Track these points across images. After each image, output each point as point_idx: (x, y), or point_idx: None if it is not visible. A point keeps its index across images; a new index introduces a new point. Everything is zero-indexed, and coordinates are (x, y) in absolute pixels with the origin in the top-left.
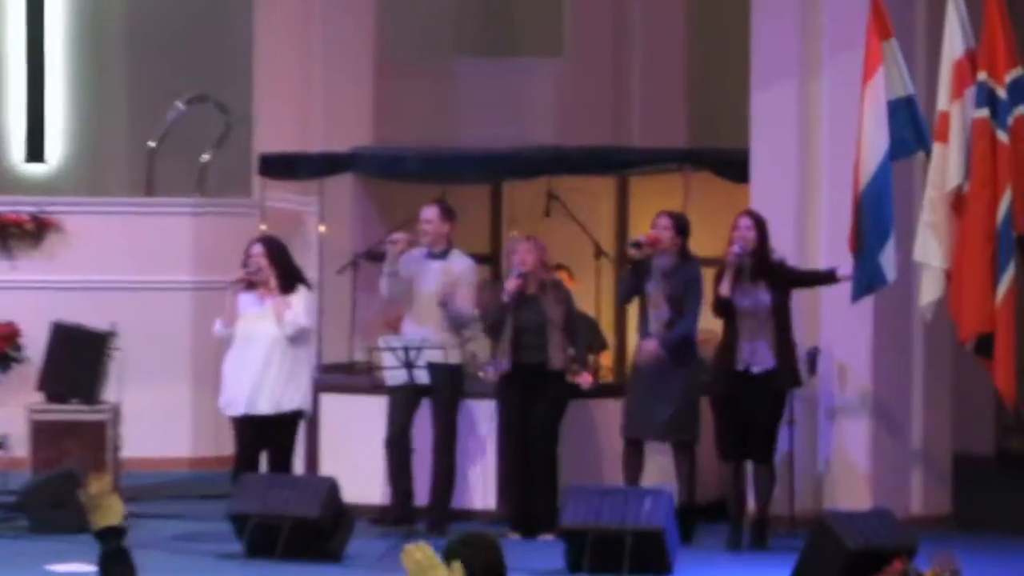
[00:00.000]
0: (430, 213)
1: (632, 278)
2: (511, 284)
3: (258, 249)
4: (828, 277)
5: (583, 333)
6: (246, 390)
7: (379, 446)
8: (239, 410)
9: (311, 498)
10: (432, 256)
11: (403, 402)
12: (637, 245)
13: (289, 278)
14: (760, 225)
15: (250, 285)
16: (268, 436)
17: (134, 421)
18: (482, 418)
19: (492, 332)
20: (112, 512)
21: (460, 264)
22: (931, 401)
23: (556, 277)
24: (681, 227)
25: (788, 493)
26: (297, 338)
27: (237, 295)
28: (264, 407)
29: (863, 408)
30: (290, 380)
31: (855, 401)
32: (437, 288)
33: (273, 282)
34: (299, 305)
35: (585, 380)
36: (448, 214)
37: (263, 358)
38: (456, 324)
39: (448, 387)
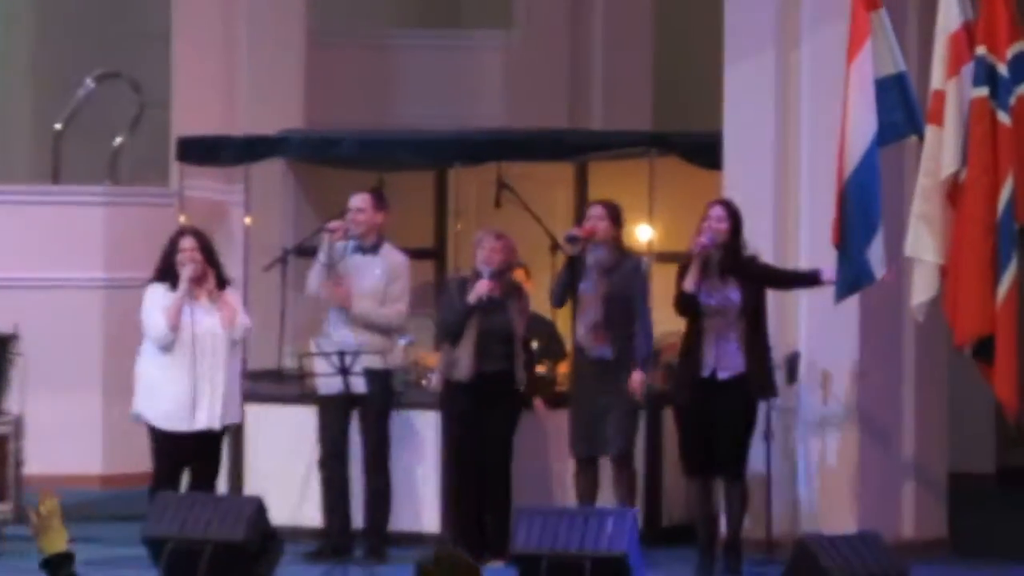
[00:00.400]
0: (361, 202)
1: (568, 276)
2: (483, 287)
3: (191, 243)
4: (809, 279)
5: (538, 337)
6: (184, 401)
7: (311, 462)
8: (181, 425)
9: (235, 520)
10: (362, 250)
11: (337, 414)
12: (574, 240)
13: (222, 275)
14: (734, 216)
15: (164, 278)
16: (196, 452)
17: (39, 434)
18: (424, 430)
19: (451, 337)
20: (61, 536)
21: (393, 260)
22: (924, 412)
23: (517, 282)
24: (616, 216)
25: (764, 514)
26: (239, 342)
27: (186, 294)
28: (203, 421)
29: (848, 420)
30: (230, 391)
31: (839, 412)
32: (370, 287)
33: (212, 280)
34: (239, 304)
35: (542, 410)
36: (381, 203)
37: (206, 365)
38: (384, 329)
39: (381, 395)
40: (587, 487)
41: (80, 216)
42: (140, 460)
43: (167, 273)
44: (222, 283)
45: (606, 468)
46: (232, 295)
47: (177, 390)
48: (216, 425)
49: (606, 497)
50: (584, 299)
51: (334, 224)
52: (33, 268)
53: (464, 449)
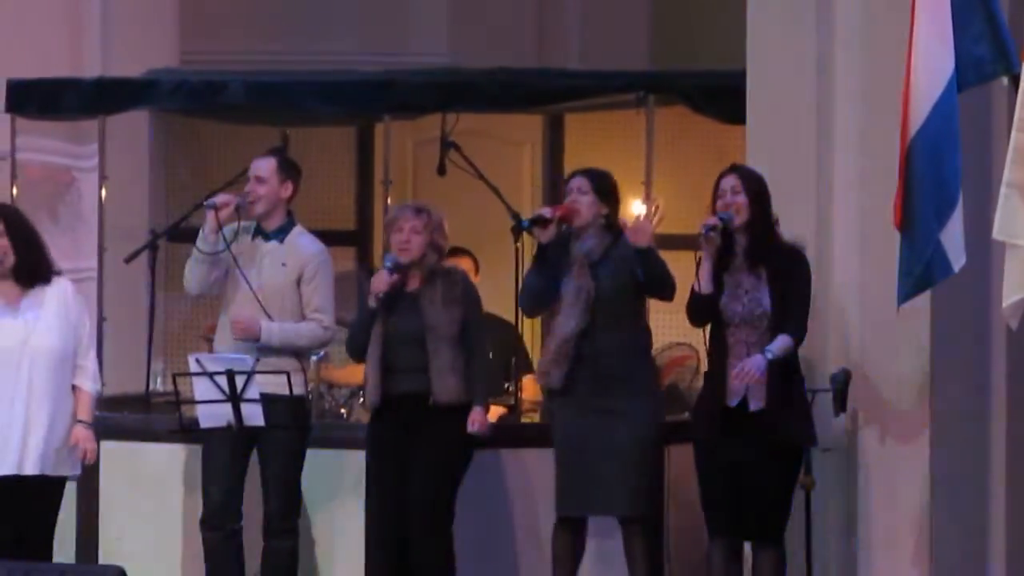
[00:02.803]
0: (263, 168)
1: (541, 275)
2: (379, 282)
3: None
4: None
5: (484, 347)
6: (11, 440)
7: (190, 518)
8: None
9: None
10: (263, 235)
11: (224, 459)
12: (540, 221)
13: (38, 266)
14: (755, 186)
15: None
16: (18, 506)
17: None
18: (346, 477)
19: (355, 349)
20: None
21: (306, 249)
22: (1019, 450)
23: (450, 265)
24: (605, 189)
25: None
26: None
27: None
28: (11, 464)
29: (916, 461)
30: (65, 424)
31: (903, 451)
32: (275, 285)
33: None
34: (75, 301)
35: (477, 423)
36: (290, 170)
37: (17, 387)
38: (302, 350)
39: (290, 431)
40: (568, 556)
41: None
42: None
43: None
44: (46, 276)
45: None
46: (69, 290)
47: None
48: (46, 472)
49: (594, 568)
50: (566, 302)
51: (221, 198)
52: None
53: (383, 503)
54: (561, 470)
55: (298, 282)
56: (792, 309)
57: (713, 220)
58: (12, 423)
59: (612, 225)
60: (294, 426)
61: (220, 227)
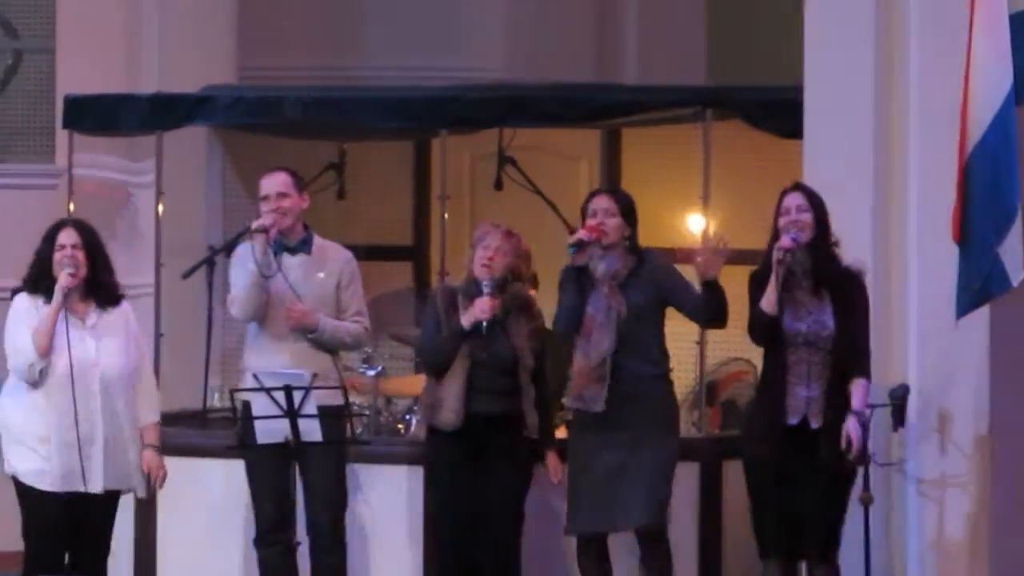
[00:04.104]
0: (282, 183)
1: (576, 293)
2: (483, 307)
3: (72, 237)
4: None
5: (552, 381)
6: (57, 456)
7: (248, 534)
8: (52, 485)
9: None
10: (287, 249)
11: (274, 474)
12: (579, 245)
13: (108, 285)
14: (819, 206)
15: (36, 287)
16: (80, 523)
17: None
18: (399, 491)
19: (437, 370)
20: None
21: (337, 256)
22: None
23: (527, 295)
24: (629, 210)
25: None
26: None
27: (60, 309)
28: (96, 483)
29: (974, 476)
30: (131, 440)
31: (963, 467)
32: (319, 295)
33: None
34: (133, 326)
35: (554, 468)
36: (300, 184)
37: (90, 406)
38: (347, 347)
39: (335, 444)
40: (595, 571)
41: None
42: (7, 537)
43: (40, 280)
44: (115, 296)
45: (618, 545)
46: (128, 311)
47: (60, 441)
48: (97, 488)
49: None
50: (594, 323)
51: (268, 219)
52: None
53: (456, 517)
54: (578, 488)
55: (337, 288)
56: (858, 344)
57: (789, 243)
58: (78, 441)
59: (634, 246)
60: (336, 438)
61: (268, 250)
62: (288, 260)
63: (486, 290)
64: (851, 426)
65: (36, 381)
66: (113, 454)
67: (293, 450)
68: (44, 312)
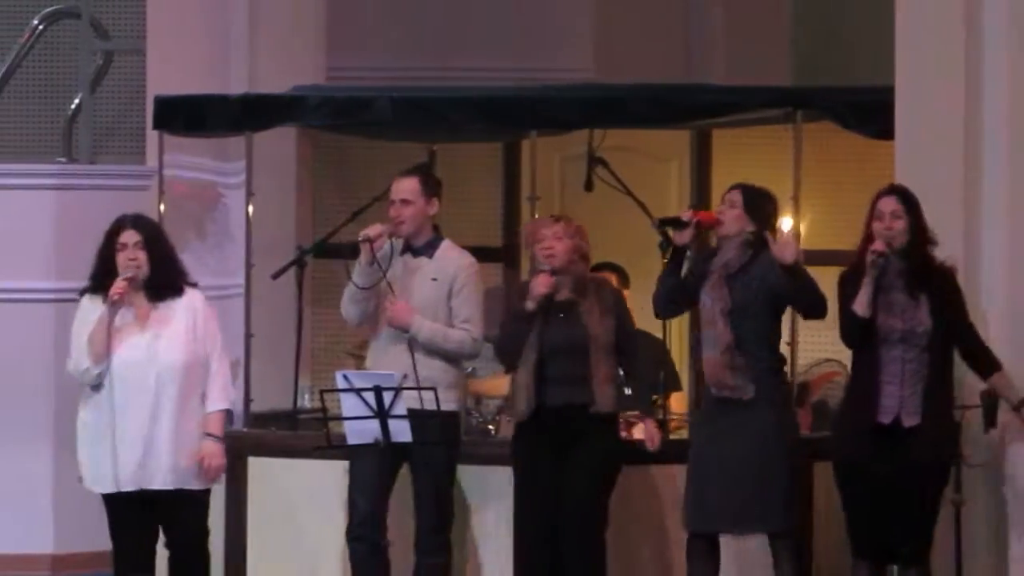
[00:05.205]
0: (407, 191)
1: (673, 275)
2: (540, 283)
3: (133, 236)
4: (987, 367)
5: (644, 360)
6: (130, 456)
7: (337, 535)
8: (130, 484)
9: None
10: (411, 251)
11: (372, 472)
12: (674, 222)
13: (170, 280)
14: (915, 209)
15: (99, 288)
16: (153, 520)
17: None
18: (494, 493)
19: (508, 357)
20: None
21: (456, 263)
22: None
23: (600, 276)
24: (755, 206)
25: None
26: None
27: (115, 311)
28: (158, 479)
29: None
30: (192, 438)
31: None
32: (425, 299)
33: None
34: (207, 314)
35: (651, 436)
36: (433, 187)
37: (153, 404)
38: (451, 358)
39: (441, 448)
40: (703, 572)
41: (23, 204)
42: (101, 535)
43: (103, 281)
44: (177, 289)
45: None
46: (195, 301)
47: (112, 440)
48: (174, 486)
49: None
50: (706, 312)
51: (374, 230)
52: None
53: (534, 513)
54: (697, 486)
55: (448, 295)
56: (978, 342)
57: (881, 247)
58: (139, 438)
59: (756, 242)
60: (442, 441)
61: (375, 259)
62: (411, 262)
63: (540, 270)
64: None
65: (94, 384)
66: (174, 451)
67: (404, 453)
68: (100, 317)
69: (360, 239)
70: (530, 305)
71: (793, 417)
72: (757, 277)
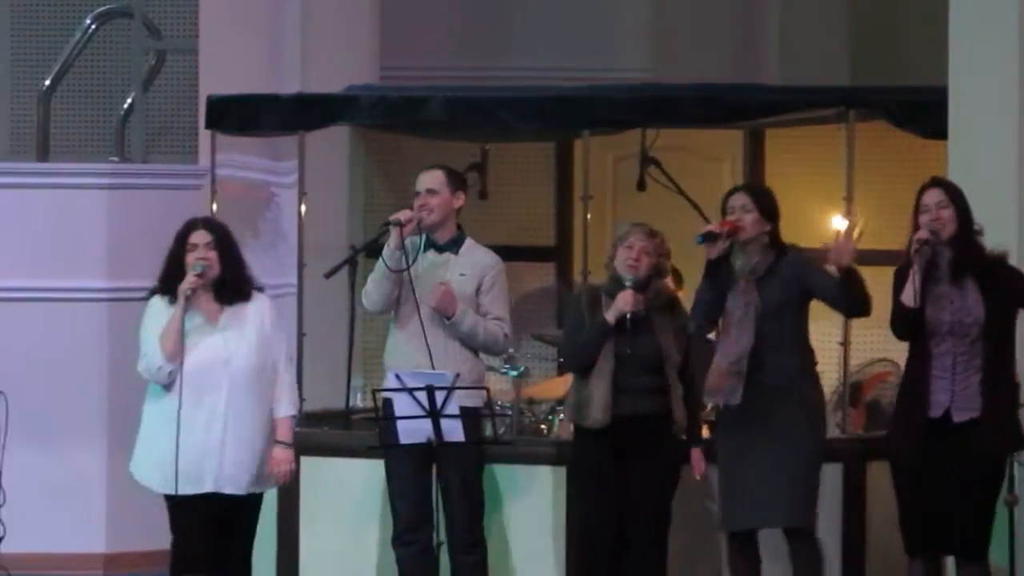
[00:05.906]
0: (433, 180)
1: (712, 290)
2: (626, 300)
3: (204, 236)
4: None
5: (699, 388)
6: (199, 458)
7: (390, 533)
8: (199, 487)
9: None
10: (436, 247)
11: (408, 469)
12: (711, 237)
13: (239, 283)
14: (960, 199)
15: (168, 288)
16: (218, 523)
17: (20, 502)
18: (539, 492)
19: (581, 367)
20: None
21: (483, 260)
22: None
23: (672, 293)
24: (767, 207)
25: None
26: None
27: (186, 310)
28: (230, 484)
29: None
30: (263, 442)
31: None
32: (456, 291)
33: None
34: (278, 321)
35: (698, 464)
36: (458, 182)
37: (224, 408)
38: (482, 350)
39: (474, 445)
40: (745, 570)
41: (76, 204)
42: (154, 535)
43: (173, 281)
44: (246, 292)
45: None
46: (263, 306)
47: (192, 444)
48: (232, 489)
49: None
50: (732, 319)
51: (405, 214)
52: (9, 275)
53: (601, 519)
54: (727, 487)
55: (477, 290)
56: None
57: (925, 234)
58: (211, 442)
59: (775, 242)
60: (475, 438)
61: (403, 245)
62: (433, 258)
63: (628, 284)
64: None
65: (166, 383)
66: (243, 453)
67: (432, 450)
68: (172, 314)
69: (390, 221)
70: (611, 318)
71: (823, 417)
72: (787, 277)
